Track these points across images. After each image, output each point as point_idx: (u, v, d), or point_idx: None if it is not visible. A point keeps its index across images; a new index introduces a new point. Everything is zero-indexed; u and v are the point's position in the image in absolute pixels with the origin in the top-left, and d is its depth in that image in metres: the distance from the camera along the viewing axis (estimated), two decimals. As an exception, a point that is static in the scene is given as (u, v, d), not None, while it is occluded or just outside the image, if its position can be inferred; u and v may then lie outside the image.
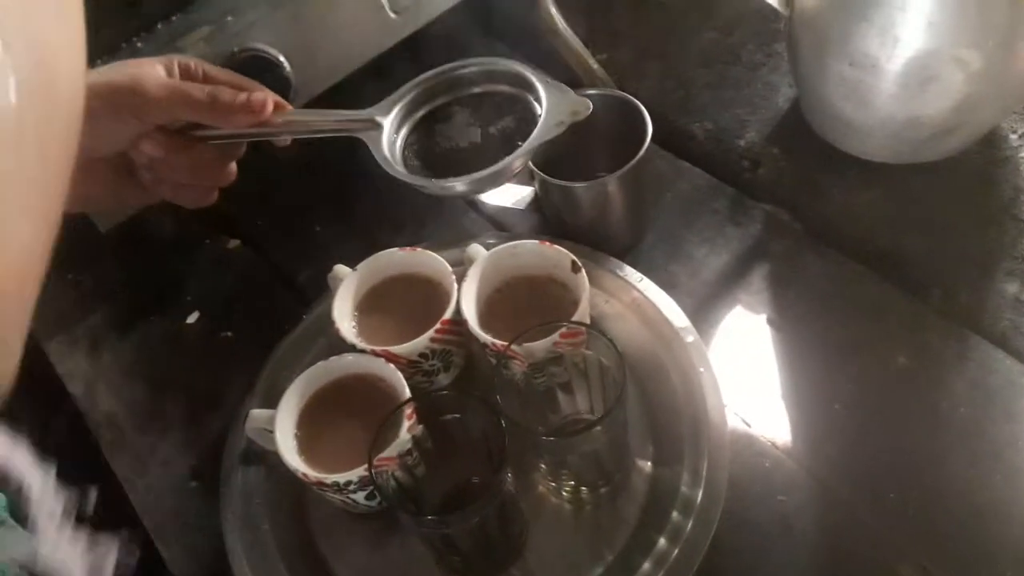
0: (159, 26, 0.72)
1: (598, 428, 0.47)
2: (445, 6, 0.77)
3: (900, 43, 0.56)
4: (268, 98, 0.50)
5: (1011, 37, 0.55)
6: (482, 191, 0.56)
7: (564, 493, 0.54)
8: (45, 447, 0.71)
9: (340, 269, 0.61)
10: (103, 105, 0.47)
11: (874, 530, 0.50)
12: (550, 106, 0.50)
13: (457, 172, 0.50)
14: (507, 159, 0.49)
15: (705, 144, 0.72)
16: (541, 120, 0.49)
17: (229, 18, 0.71)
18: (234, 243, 0.75)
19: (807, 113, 0.69)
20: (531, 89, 0.52)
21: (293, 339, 0.63)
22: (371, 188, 0.72)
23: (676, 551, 0.49)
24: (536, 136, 0.49)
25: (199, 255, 0.75)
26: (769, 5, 0.68)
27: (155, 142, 0.49)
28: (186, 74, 0.50)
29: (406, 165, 0.52)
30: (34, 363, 0.74)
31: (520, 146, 0.49)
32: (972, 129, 0.61)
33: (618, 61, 0.77)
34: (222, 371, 0.66)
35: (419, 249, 0.60)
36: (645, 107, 0.61)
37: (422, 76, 0.55)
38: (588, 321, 0.56)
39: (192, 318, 0.71)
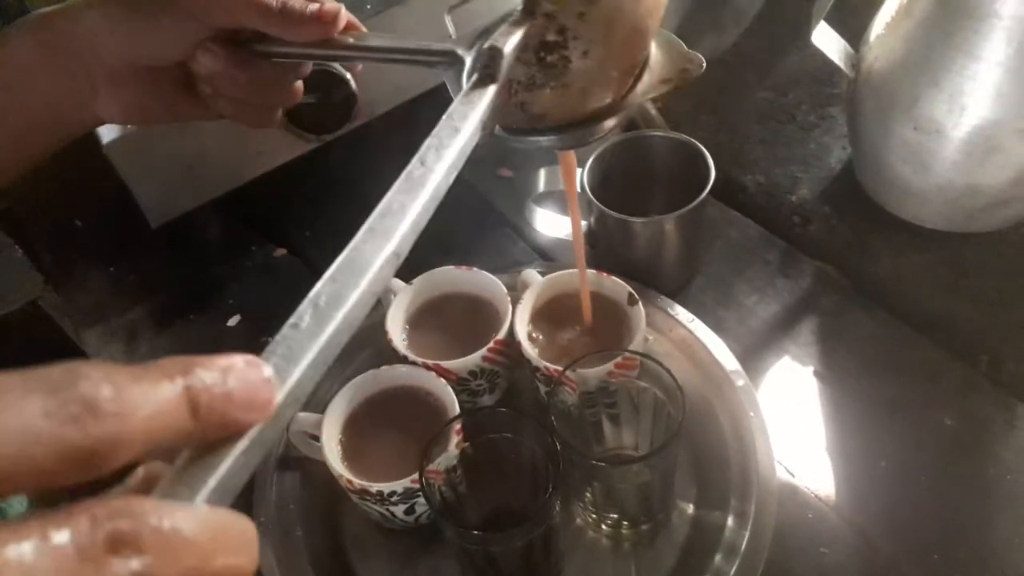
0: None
1: (653, 460, 0.46)
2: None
3: (967, 111, 0.57)
4: (341, 10, 0.47)
5: (1077, 115, 0.56)
6: (573, 146, 0.47)
7: (604, 527, 0.53)
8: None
9: (395, 282, 0.61)
10: (161, 6, 0.45)
11: (919, 590, 0.49)
12: (656, 62, 0.44)
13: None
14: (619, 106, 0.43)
15: (757, 197, 0.72)
16: (645, 75, 0.44)
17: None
18: (281, 252, 0.75)
19: (861, 175, 0.70)
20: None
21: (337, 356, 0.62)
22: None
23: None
24: (639, 92, 0.43)
25: (245, 260, 0.75)
26: (824, 69, 0.70)
27: (214, 54, 0.46)
28: None
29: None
30: (53, 356, 0.74)
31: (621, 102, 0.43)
32: (1029, 203, 0.62)
33: (674, 110, 0.78)
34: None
35: (475, 269, 0.60)
36: (702, 154, 0.62)
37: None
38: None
39: (233, 321, 0.70)
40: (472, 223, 0.73)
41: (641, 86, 0.43)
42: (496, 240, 0.72)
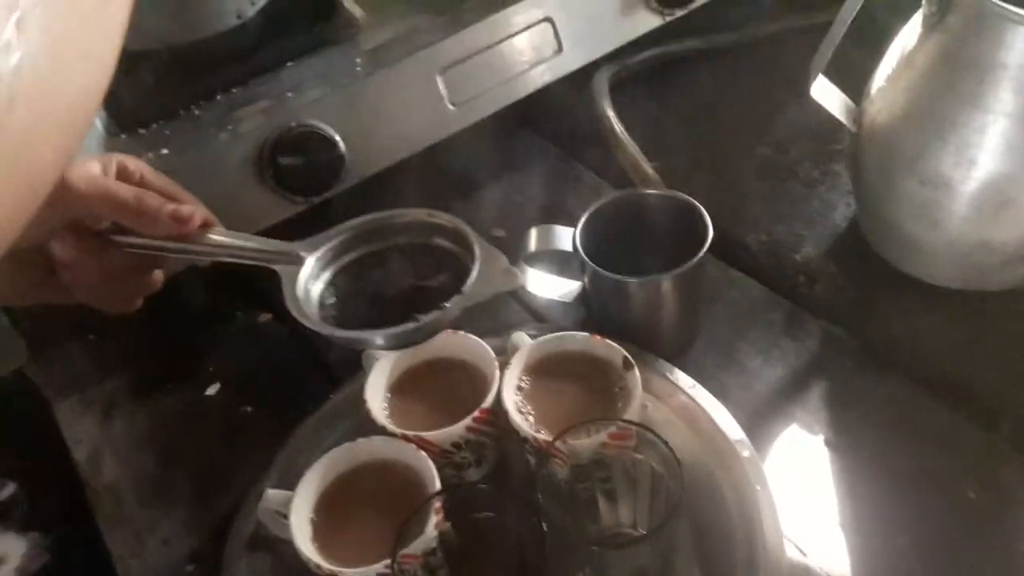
0: (219, 96, 0.73)
1: (651, 540, 0.43)
2: (503, 103, 0.77)
3: (976, 165, 0.54)
4: (196, 213, 0.49)
5: (1092, 166, 0.53)
6: (397, 347, 0.53)
7: (599, 612, 0.49)
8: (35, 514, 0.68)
9: (371, 353, 0.58)
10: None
11: None
12: (483, 271, 0.51)
13: (377, 323, 0.50)
14: (428, 317, 0.49)
15: (759, 256, 0.70)
16: (471, 281, 0.50)
17: (289, 94, 0.71)
18: (265, 317, 0.73)
19: (868, 232, 0.67)
20: (469, 248, 0.52)
21: (317, 418, 0.59)
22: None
23: None
24: (463, 298, 0.49)
25: (229, 326, 0.73)
26: (826, 126, 0.67)
27: (66, 243, 0.48)
28: (123, 175, 0.50)
29: (322, 307, 0.52)
30: (36, 426, 0.71)
31: (444, 307, 0.49)
32: (1045, 259, 0.59)
33: (671, 169, 0.76)
34: (237, 448, 0.62)
35: (461, 332, 0.57)
36: (700, 212, 0.59)
37: (357, 220, 0.55)
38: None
39: (212, 389, 0.67)
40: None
41: (465, 290, 0.50)
42: (487, 302, 0.69)
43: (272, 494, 0.50)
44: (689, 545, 0.51)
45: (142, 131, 0.70)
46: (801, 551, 0.51)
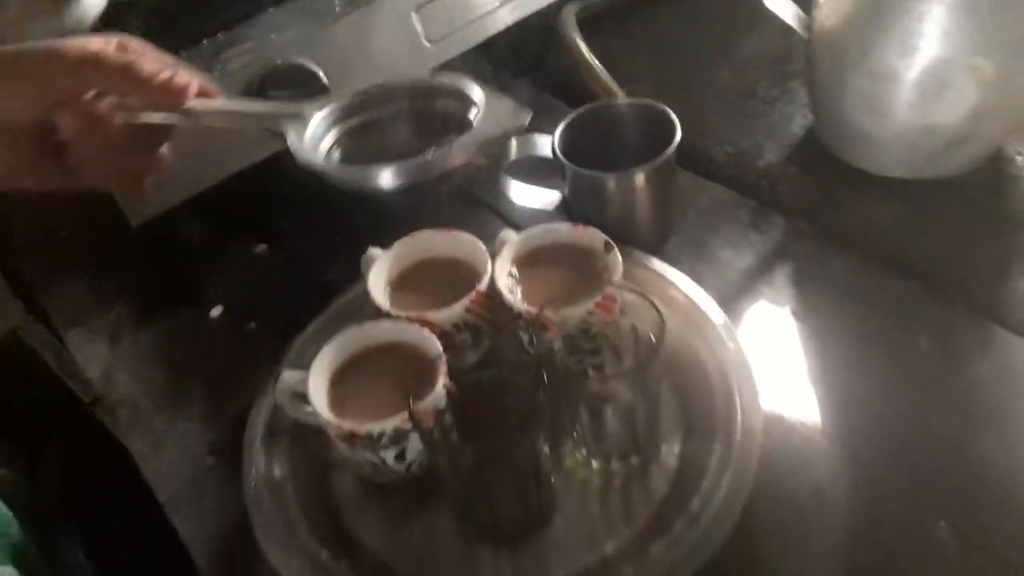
0: (204, 41, 0.76)
1: (637, 375, 0.47)
2: (477, 39, 0.81)
3: (918, 52, 0.60)
4: (193, 83, 0.50)
5: (1018, 47, 0.59)
6: (409, 183, 0.50)
7: (595, 464, 0.54)
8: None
9: (374, 251, 0.62)
10: (10, 68, 0.47)
11: (907, 494, 0.50)
12: (489, 111, 0.51)
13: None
14: (439, 150, 0.49)
15: (725, 166, 0.75)
16: (478, 120, 0.51)
17: (273, 35, 0.75)
18: (260, 247, 0.76)
19: (824, 135, 0.72)
20: (474, 104, 0.53)
21: (323, 320, 0.63)
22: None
23: (709, 514, 0.48)
24: (472, 134, 0.50)
25: (225, 256, 0.76)
26: (782, 47, 0.73)
27: (72, 113, 0.49)
28: (121, 49, 0.49)
29: (328, 160, 0.53)
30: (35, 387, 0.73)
31: (453, 141, 0.50)
32: (983, 142, 0.64)
33: (640, 95, 0.81)
34: (246, 357, 0.66)
35: (453, 231, 0.61)
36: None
37: (360, 87, 0.56)
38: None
39: (216, 311, 0.71)
40: (448, 207, 0.74)
41: (474, 129, 0.51)
42: (472, 219, 0.73)
43: (288, 374, 0.54)
44: (673, 406, 0.56)
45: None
46: (774, 403, 0.56)
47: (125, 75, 0.48)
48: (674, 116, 0.64)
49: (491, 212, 0.74)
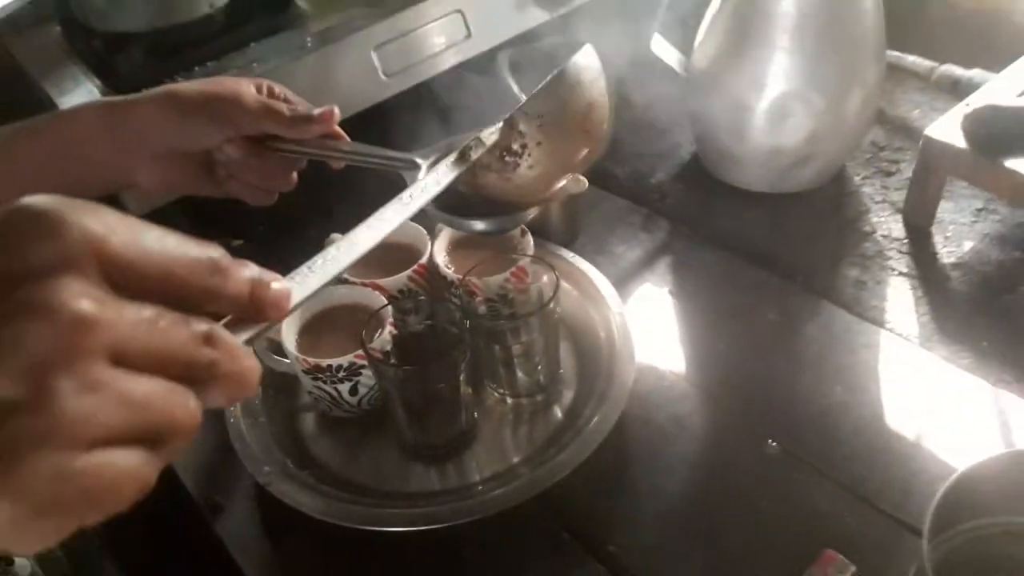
0: (196, 68, 0.91)
1: (539, 313, 0.62)
2: (426, 75, 0.97)
3: (766, 88, 0.77)
4: (334, 110, 0.61)
5: (842, 84, 0.77)
6: (499, 231, 0.62)
7: (508, 401, 0.68)
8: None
9: (335, 236, 0.76)
10: (203, 109, 0.58)
11: (747, 422, 0.65)
12: None
13: (475, 215, 0.59)
14: (528, 213, 0.60)
15: (624, 182, 0.91)
16: None
17: (254, 65, 0.90)
18: (237, 243, 0.90)
19: (703, 157, 0.89)
20: None
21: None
22: (354, 197, 0.88)
23: (588, 428, 0.62)
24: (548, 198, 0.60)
25: (206, 250, 0.89)
26: (674, 90, 0.90)
27: (238, 146, 0.59)
28: (270, 94, 0.61)
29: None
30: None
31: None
32: (822, 161, 0.82)
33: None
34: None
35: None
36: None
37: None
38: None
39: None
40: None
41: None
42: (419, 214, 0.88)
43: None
44: (570, 357, 0.71)
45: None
46: (651, 358, 0.71)
47: (292, 122, 0.59)
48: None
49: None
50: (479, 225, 0.60)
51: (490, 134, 0.56)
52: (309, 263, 0.39)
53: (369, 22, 0.94)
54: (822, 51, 0.75)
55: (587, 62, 0.58)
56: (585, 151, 0.59)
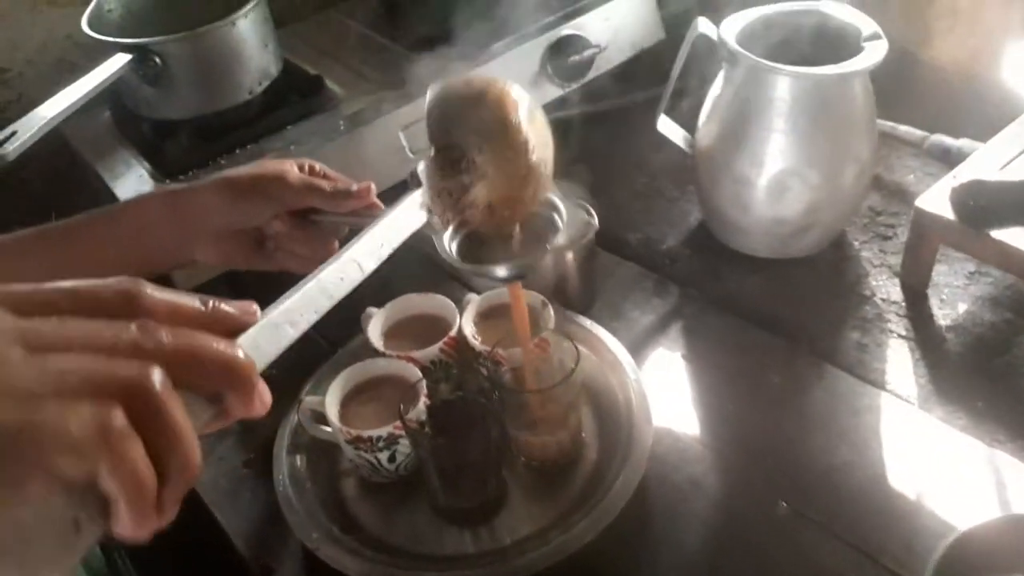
0: (238, 151, 0.98)
1: (561, 385, 0.67)
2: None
3: (765, 165, 0.83)
4: (371, 185, 0.66)
5: (836, 160, 0.83)
6: (517, 276, 0.64)
7: (533, 464, 0.73)
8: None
9: (371, 309, 0.82)
10: (254, 190, 0.65)
11: (758, 483, 0.70)
12: (569, 220, 0.64)
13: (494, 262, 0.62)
14: (539, 253, 0.63)
15: (636, 248, 0.97)
16: (563, 227, 0.63)
17: (292, 147, 0.97)
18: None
19: (710, 225, 0.95)
20: (557, 209, 0.65)
21: (331, 363, 0.82)
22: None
23: (612, 493, 0.67)
24: (561, 239, 0.63)
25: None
26: (682, 163, 0.96)
27: (284, 220, 0.66)
28: (311, 172, 0.67)
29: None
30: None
31: (547, 248, 0.64)
32: (821, 229, 0.87)
33: (574, 194, 1.03)
34: (267, 396, 0.84)
35: (430, 293, 0.81)
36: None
37: None
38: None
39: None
40: (426, 279, 0.95)
41: (561, 234, 0.63)
42: (446, 286, 0.94)
43: (309, 399, 0.73)
44: (591, 424, 0.76)
45: (181, 178, 0.94)
46: (666, 420, 0.76)
47: (333, 196, 0.65)
48: (592, 210, 0.85)
49: (464, 286, 0.94)
50: (500, 271, 0.62)
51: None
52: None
53: (396, 105, 1.01)
54: (815, 132, 0.81)
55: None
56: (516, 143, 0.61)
